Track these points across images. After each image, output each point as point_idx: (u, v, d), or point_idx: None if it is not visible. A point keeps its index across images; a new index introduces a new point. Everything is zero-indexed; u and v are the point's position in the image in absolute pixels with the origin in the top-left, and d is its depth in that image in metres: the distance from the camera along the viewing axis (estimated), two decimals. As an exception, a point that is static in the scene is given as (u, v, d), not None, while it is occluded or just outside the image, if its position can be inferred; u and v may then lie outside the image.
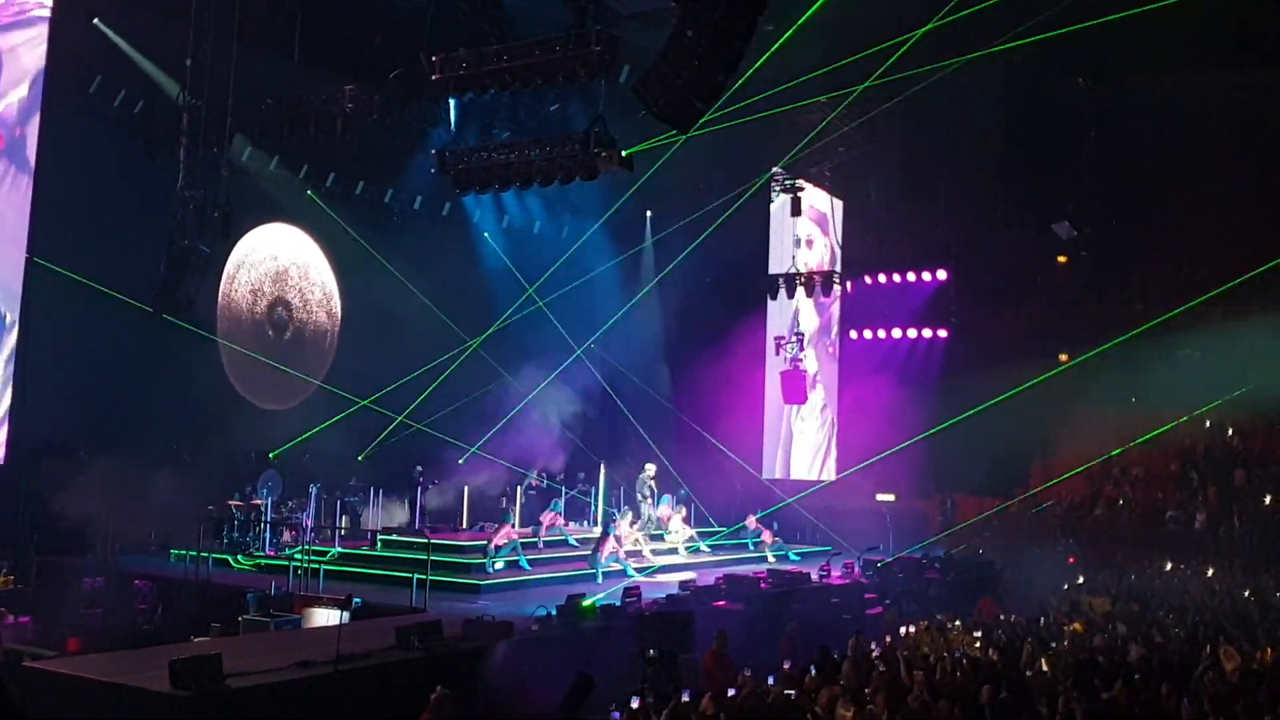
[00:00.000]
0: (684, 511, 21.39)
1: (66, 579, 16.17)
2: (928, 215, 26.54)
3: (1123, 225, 25.77)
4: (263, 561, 18.17)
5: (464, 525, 20.59)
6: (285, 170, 21.24)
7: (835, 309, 28.23)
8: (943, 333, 27.85)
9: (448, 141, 18.63)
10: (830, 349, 28.34)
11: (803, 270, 25.75)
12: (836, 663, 10.72)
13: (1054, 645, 12.07)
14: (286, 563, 16.77)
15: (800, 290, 25.74)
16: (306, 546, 17.75)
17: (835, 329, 28.44)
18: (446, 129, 19.37)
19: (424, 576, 15.02)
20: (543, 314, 22.71)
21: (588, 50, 14.56)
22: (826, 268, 26.69)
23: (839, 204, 27.39)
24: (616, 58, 14.92)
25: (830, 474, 27.37)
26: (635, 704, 9.40)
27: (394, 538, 19.03)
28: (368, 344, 21.78)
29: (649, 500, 20.98)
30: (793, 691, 9.40)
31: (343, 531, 19.92)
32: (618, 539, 18.43)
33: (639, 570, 18.24)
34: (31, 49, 17.02)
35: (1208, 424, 25.85)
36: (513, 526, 18.19)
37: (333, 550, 18.55)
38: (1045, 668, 10.65)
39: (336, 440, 20.93)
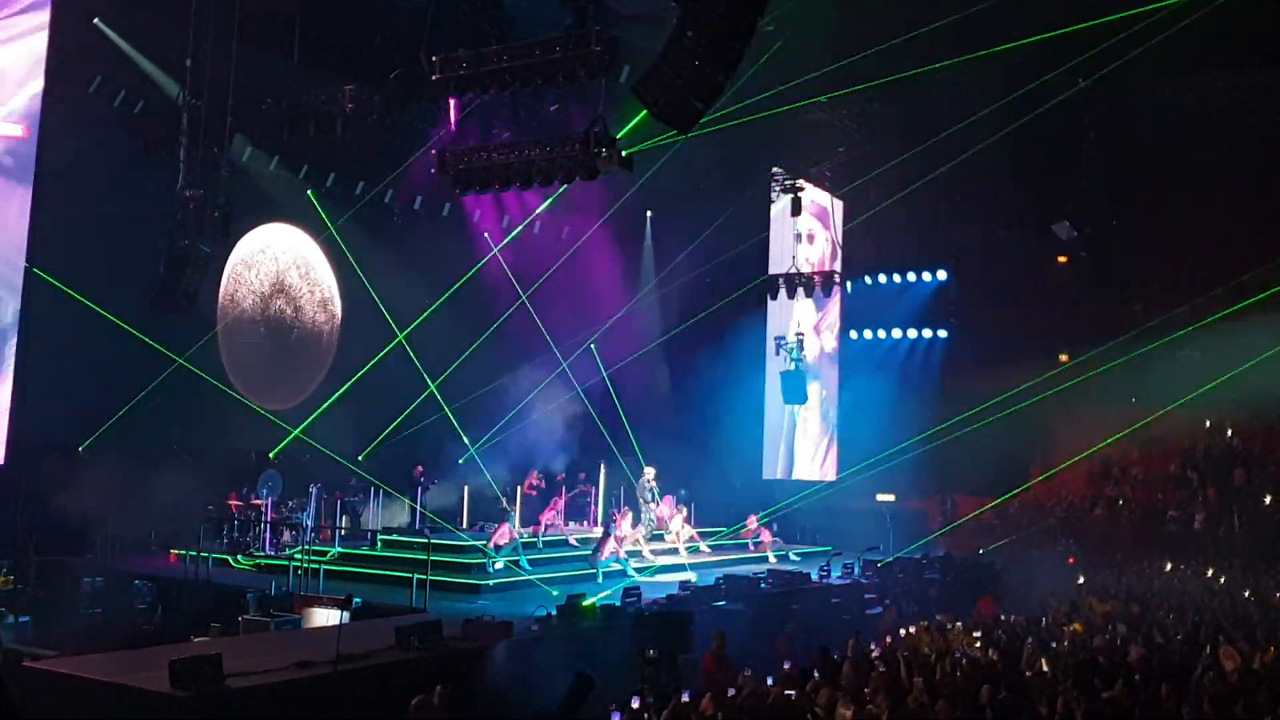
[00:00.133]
0: (684, 511, 21.40)
1: (66, 579, 16.19)
2: (928, 215, 26.54)
3: (1123, 225, 25.77)
4: (263, 561, 18.18)
5: (464, 525, 20.59)
6: (285, 170, 21.22)
7: (835, 309, 28.22)
8: (943, 333, 27.86)
9: (448, 141, 18.62)
10: (830, 349, 28.34)
11: (803, 270, 25.74)
12: (836, 663, 10.72)
13: (1054, 645, 12.07)
14: (286, 562, 16.79)
15: (800, 290, 25.74)
16: (306, 546, 17.76)
17: (835, 329, 28.44)
18: (446, 129, 19.36)
19: (424, 576, 15.04)
20: (543, 314, 22.72)
21: (588, 50, 14.54)
22: (826, 268, 26.68)
23: (839, 204, 27.39)
24: (617, 58, 14.91)
25: (830, 474, 27.38)
26: (635, 704, 9.40)
27: (394, 537, 19.04)
28: (367, 344, 21.77)
29: (650, 502, 20.99)
30: (793, 692, 9.40)
31: (343, 531, 19.93)
32: (618, 539, 18.43)
33: (639, 570, 18.25)
34: (31, 48, 17.04)
35: (1207, 424, 25.87)
36: (512, 526, 18.19)
37: (333, 550, 18.56)
38: (1045, 668, 10.65)
39: (336, 440, 20.93)
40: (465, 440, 21.97)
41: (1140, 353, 22.65)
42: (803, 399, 25.68)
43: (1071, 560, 21.85)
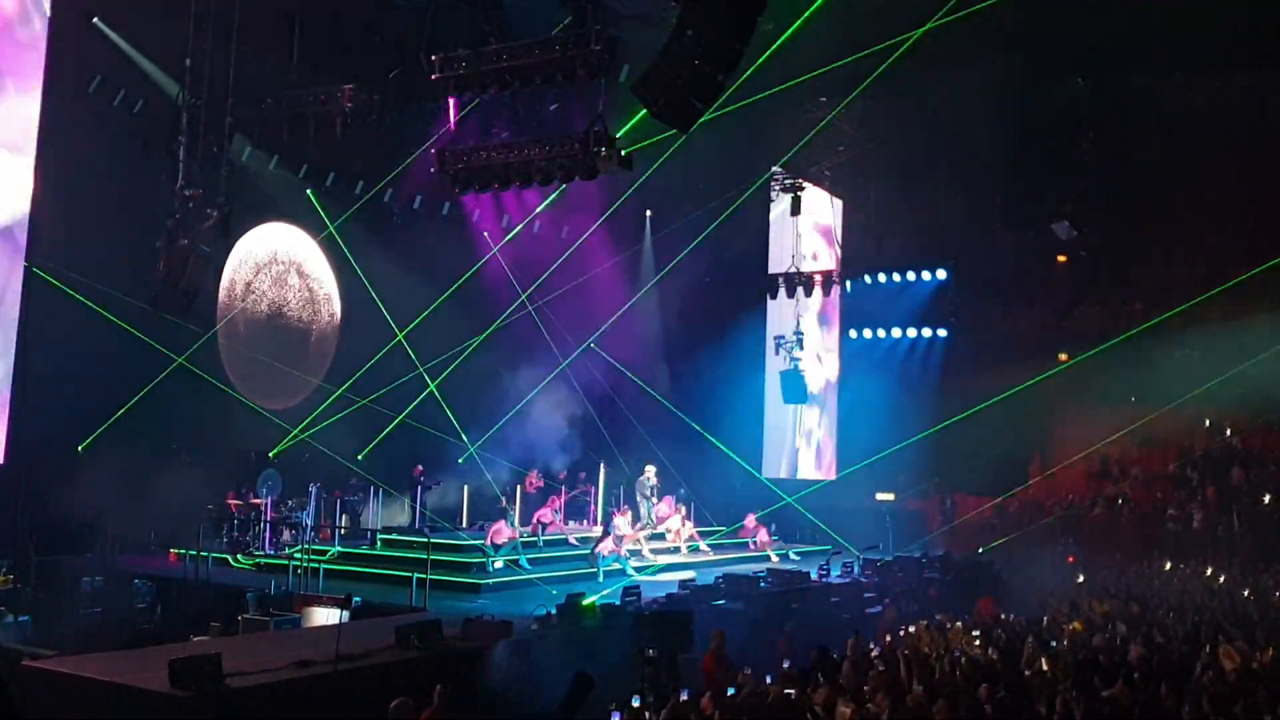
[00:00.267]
0: (684, 510, 21.41)
1: (66, 578, 16.18)
2: (927, 215, 26.55)
3: (1122, 225, 25.78)
4: (262, 561, 18.18)
5: (464, 524, 20.59)
6: (284, 169, 21.21)
7: (835, 308, 28.23)
8: (942, 332, 27.88)
9: (447, 141, 18.63)
10: (830, 348, 28.34)
11: (803, 269, 25.75)
12: (836, 662, 10.72)
13: (1053, 645, 12.07)
14: (286, 562, 16.80)
15: (800, 289, 25.75)
16: (306, 546, 17.76)
17: (835, 328, 28.45)
18: (446, 128, 19.37)
19: (424, 576, 15.04)
20: (542, 313, 22.72)
21: (587, 50, 14.54)
22: (826, 267, 26.70)
23: (839, 203, 27.40)
24: (616, 57, 14.91)
25: (830, 473, 27.39)
26: (636, 703, 9.40)
27: (394, 537, 19.04)
28: (367, 343, 21.77)
29: (651, 500, 20.99)
30: (792, 691, 9.40)
31: (342, 531, 19.93)
32: (618, 539, 18.44)
33: (639, 570, 18.26)
34: (30, 48, 17.05)
35: (1207, 424, 25.89)
36: (510, 525, 18.19)
37: (332, 549, 18.56)
38: (1045, 667, 10.65)
39: (336, 439, 20.93)
40: (465, 440, 21.98)
41: (1140, 352, 22.68)
42: (802, 398, 25.69)
43: (1071, 559, 21.86)
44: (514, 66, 15.16)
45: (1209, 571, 19.84)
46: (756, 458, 27.12)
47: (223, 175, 17.34)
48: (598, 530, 19.59)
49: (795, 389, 25.15)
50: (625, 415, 24.15)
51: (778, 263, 26.58)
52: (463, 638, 12.15)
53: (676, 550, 20.40)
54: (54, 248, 17.19)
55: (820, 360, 27.73)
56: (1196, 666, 10.30)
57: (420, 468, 21.00)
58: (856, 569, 19.37)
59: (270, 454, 20.95)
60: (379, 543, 18.84)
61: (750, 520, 22.26)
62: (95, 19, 18.00)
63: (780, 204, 26.08)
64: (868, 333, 28.64)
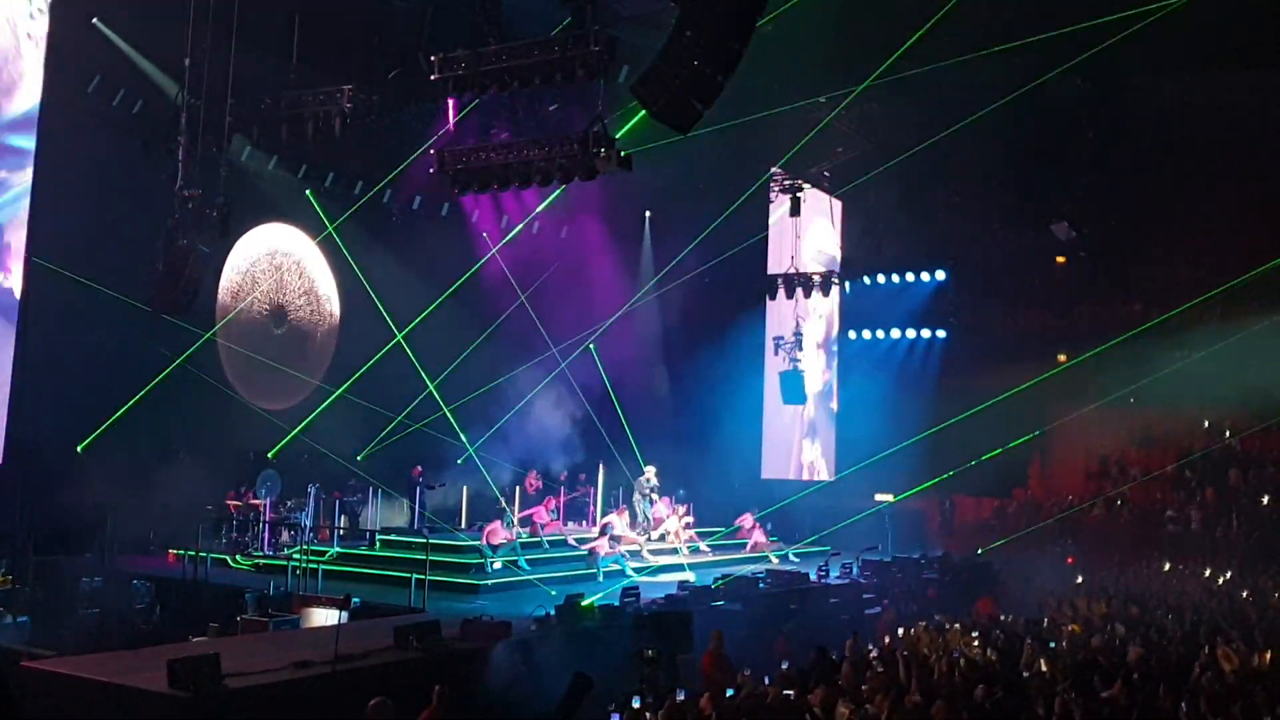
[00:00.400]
0: (681, 510, 21.39)
1: (65, 579, 16.16)
2: (926, 215, 26.55)
3: (1121, 226, 25.78)
4: (261, 561, 18.18)
5: (463, 525, 20.59)
6: (284, 170, 21.20)
7: (834, 309, 28.24)
8: (941, 333, 27.90)
9: (446, 141, 18.63)
10: (829, 349, 28.34)
11: (802, 270, 25.75)
12: (835, 663, 10.73)
13: (1052, 645, 12.08)
14: (285, 563, 16.80)
15: (799, 290, 25.75)
16: (305, 546, 17.75)
17: (834, 329, 28.45)
18: (445, 129, 19.38)
19: (422, 576, 15.03)
20: (542, 314, 22.71)
21: (587, 50, 14.52)
22: (825, 268, 26.70)
23: (838, 204, 27.40)
24: (616, 58, 14.90)
25: (829, 474, 27.39)
26: (636, 704, 9.40)
27: (393, 538, 19.03)
28: (366, 344, 21.77)
29: (650, 494, 20.99)
30: (791, 692, 9.40)
31: (341, 531, 19.92)
32: (614, 539, 18.46)
33: (638, 570, 18.27)
34: (29, 47, 17.05)
35: (1206, 425, 25.90)
36: (506, 526, 18.18)
37: (331, 550, 18.55)
38: (1044, 668, 10.66)
39: (335, 440, 20.93)
40: (464, 440, 21.98)
41: (1139, 352, 22.67)
42: (801, 399, 25.69)
43: (1070, 560, 21.86)
44: (513, 67, 15.14)
45: (1208, 572, 19.85)
46: (756, 459, 27.12)
47: (222, 175, 17.32)
48: (595, 531, 19.59)
49: (795, 390, 25.14)
50: (624, 416, 24.14)
51: (777, 263, 26.58)
52: (461, 638, 12.14)
53: (676, 551, 20.40)
54: (53, 248, 17.18)
55: (819, 361, 27.73)
56: (1195, 667, 10.30)
57: (419, 468, 20.99)
58: (855, 570, 19.37)
59: (269, 454, 20.95)
60: (378, 543, 18.83)
61: (747, 520, 22.22)
62: (95, 19, 18.01)
63: (780, 205, 26.07)
64: (867, 333, 28.65)
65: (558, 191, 20.22)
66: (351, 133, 18.60)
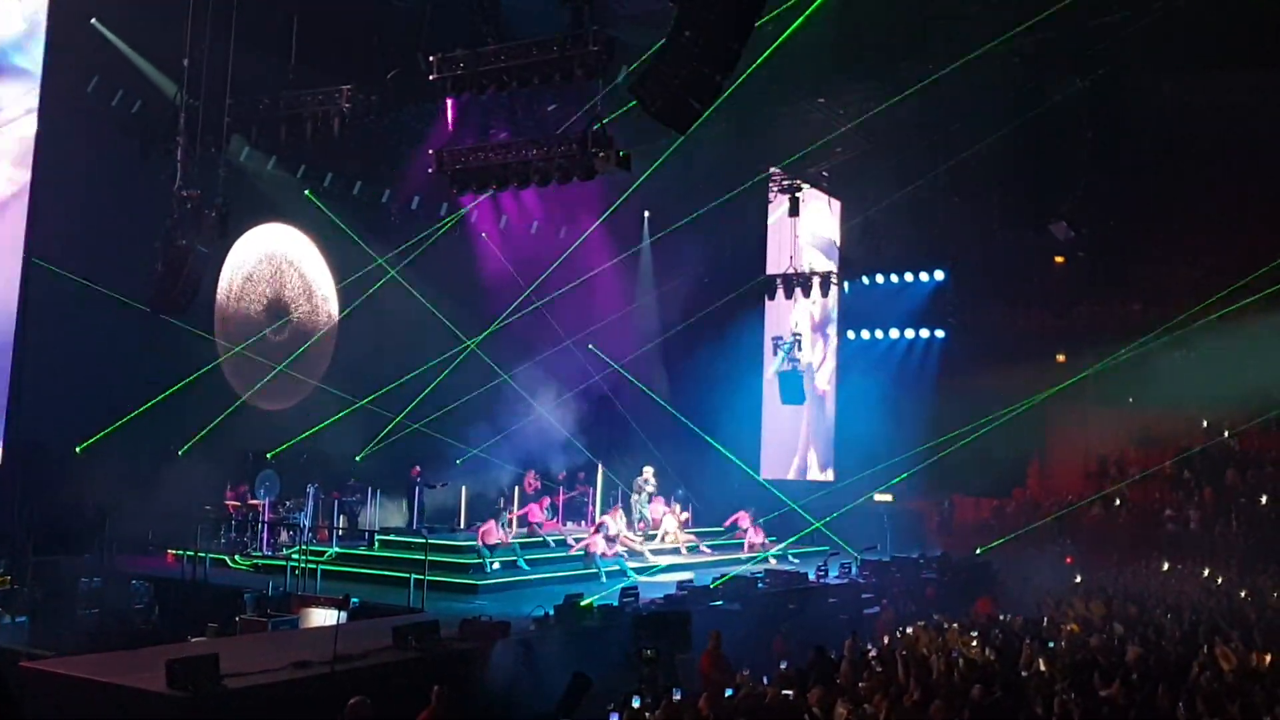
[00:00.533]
0: (677, 508, 21.36)
1: (64, 579, 16.15)
2: (926, 216, 26.55)
3: (1120, 226, 25.79)
4: (260, 561, 18.17)
5: (462, 525, 20.59)
6: (282, 170, 21.19)
7: (833, 309, 28.24)
8: (940, 333, 27.89)
9: (445, 141, 18.63)
10: (828, 349, 28.35)
11: (801, 270, 25.76)
12: (833, 663, 10.73)
13: (1051, 645, 12.08)
14: (284, 563, 16.79)
15: (798, 290, 25.75)
16: (304, 546, 17.75)
17: (833, 329, 28.45)
18: (444, 129, 19.38)
19: (421, 576, 15.03)
20: (541, 314, 22.71)
21: (585, 50, 14.54)
22: (825, 268, 26.70)
23: (837, 204, 27.41)
24: (614, 58, 14.91)
25: (828, 474, 27.39)
26: (636, 704, 9.41)
27: (392, 538, 19.03)
28: (365, 344, 21.77)
29: (647, 499, 21.00)
30: (790, 692, 9.41)
31: (340, 531, 19.92)
32: (610, 539, 18.48)
33: (638, 570, 18.28)
34: (28, 48, 17.06)
35: (1204, 424, 25.91)
36: (502, 526, 18.17)
37: (330, 550, 18.54)
38: (1043, 668, 10.66)
39: (334, 440, 20.92)
40: (463, 441, 21.98)
41: (1138, 352, 22.69)
42: (800, 399, 25.68)
43: (1069, 560, 21.86)
44: (512, 67, 15.16)
45: (1206, 572, 19.85)
46: (755, 459, 27.12)
47: (221, 175, 17.33)
48: (590, 530, 19.59)
49: (794, 390, 25.14)
50: (623, 416, 24.15)
51: (776, 264, 26.59)
52: (460, 638, 12.14)
53: (676, 551, 20.39)
54: (52, 247, 17.17)
55: (818, 361, 27.74)
56: (1194, 667, 10.30)
57: (418, 468, 20.99)
58: (854, 570, 19.37)
59: (268, 455, 20.94)
60: (377, 544, 18.82)
61: (744, 520, 22.19)
62: (93, 19, 18.00)
63: (779, 205, 26.07)
64: (866, 333, 28.65)
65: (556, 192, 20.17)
66: (350, 133, 18.61)
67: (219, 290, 21.04)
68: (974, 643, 12.44)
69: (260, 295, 22.11)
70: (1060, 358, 25.96)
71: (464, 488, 21.21)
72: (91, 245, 17.63)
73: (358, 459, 21.61)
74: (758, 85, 16.41)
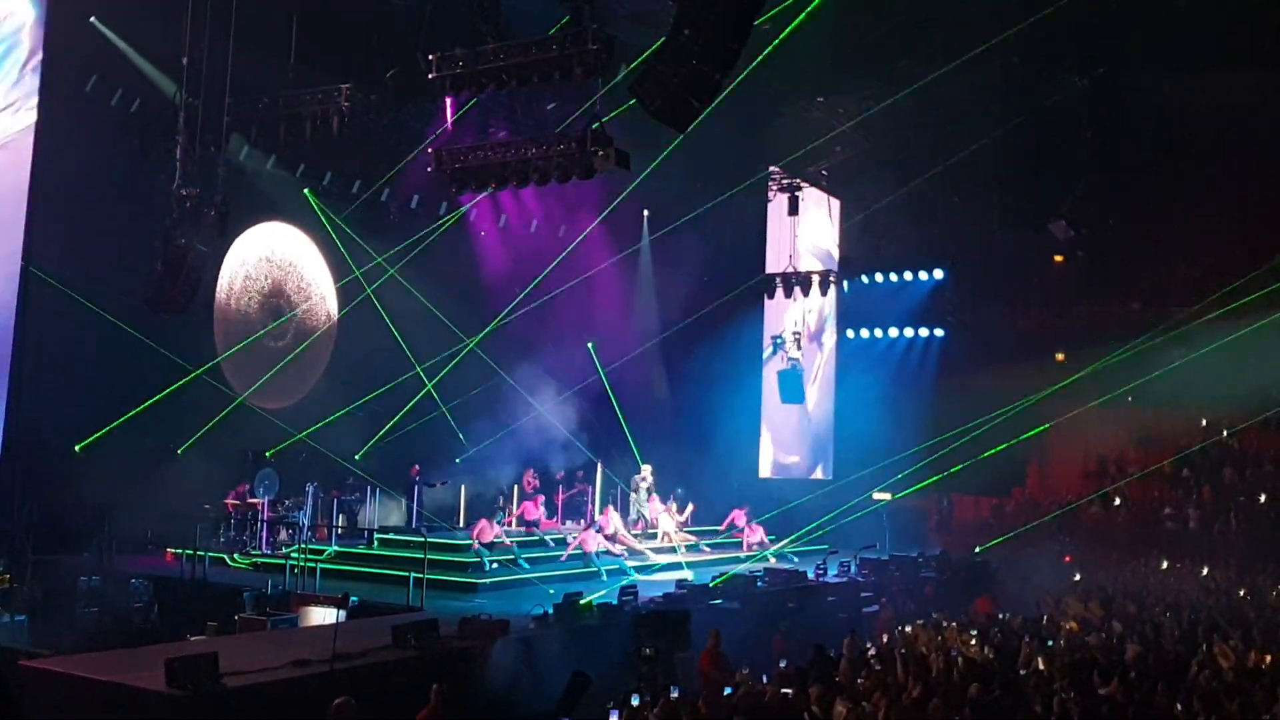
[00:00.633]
0: (674, 507, 21.35)
1: (63, 578, 16.16)
2: (925, 215, 26.56)
3: (1120, 225, 25.78)
4: (259, 560, 18.17)
5: (461, 524, 20.60)
6: (282, 169, 21.19)
7: (832, 308, 28.24)
8: (939, 332, 27.90)
9: (444, 140, 18.63)
10: (827, 348, 28.35)
11: (800, 269, 25.76)
12: (833, 661, 10.74)
13: (1050, 644, 12.09)
14: (283, 561, 16.80)
15: (797, 289, 25.75)
16: (303, 545, 17.75)
17: (832, 328, 28.45)
18: (443, 128, 19.39)
19: (420, 575, 15.03)
20: (540, 313, 22.71)
21: (584, 49, 14.54)
22: (823, 267, 26.71)
23: (836, 203, 27.40)
24: (614, 56, 14.91)
25: (827, 473, 27.39)
26: (635, 702, 9.42)
27: (391, 536, 19.03)
28: (364, 343, 21.77)
29: (645, 499, 20.99)
30: (789, 690, 9.41)
31: (339, 530, 19.92)
32: (608, 537, 18.49)
33: (637, 569, 18.28)
34: (26, 46, 17.06)
35: (1203, 423, 25.92)
36: (497, 524, 18.16)
37: (329, 549, 18.55)
38: (1042, 666, 10.67)
39: (333, 439, 20.92)
40: (462, 439, 21.97)
41: (1137, 351, 22.69)
42: (800, 398, 25.69)
43: (1068, 559, 21.86)
44: (511, 65, 15.15)
45: (1205, 571, 19.87)
46: (754, 457, 27.12)
47: (220, 174, 17.34)
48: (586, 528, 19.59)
49: (793, 389, 25.15)
50: (623, 415, 24.13)
51: (775, 262, 26.59)
52: (459, 637, 12.14)
53: (674, 550, 20.40)
54: (51, 246, 17.18)
55: (817, 360, 27.74)
56: (1192, 665, 10.31)
57: (417, 467, 21.00)
58: (853, 568, 19.38)
59: (267, 453, 20.94)
60: (376, 542, 18.82)
61: (740, 519, 22.17)
62: (92, 18, 18.00)
63: (778, 204, 26.07)
64: (865, 332, 28.65)
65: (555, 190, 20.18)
66: (349, 132, 18.60)
67: (218, 289, 21.04)
68: (973, 641, 12.45)
69: (259, 294, 22.11)
70: (1059, 357, 25.95)
71: (463, 486, 21.22)
72: (91, 244, 17.63)
73: (357, 457, 21.61)
74: (757, 84, 16.43)
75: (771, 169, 25.09)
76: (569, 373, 23.42)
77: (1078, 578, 19.40)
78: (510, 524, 19.32)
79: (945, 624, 13.66)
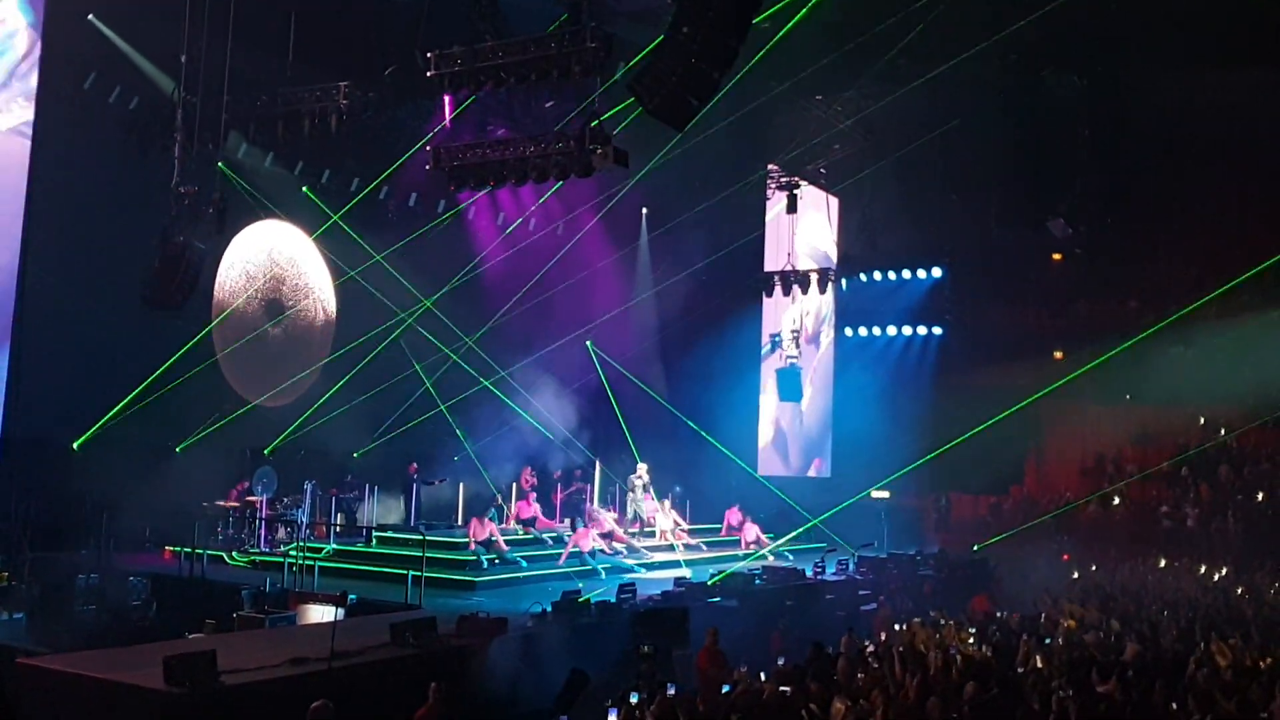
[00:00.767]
0: (667, 505, 21.34)
1: (61, 576, 16.15)
2: (923, 212, 26.59)
3: (1118, 223, 25.83)
4: (257, 558, 18.16)
5: (459, 522, 20.59)
6: (280, 166, 21.18)
7: (831, 306, 28.25)
8: (938, 330, 27.92)
9: (443, 138, 18.63)
10: (825, 346, 28.36)
11: (798, 267, 25.77)
12: (831, 659, 10.74)
13: (1048, 642, 12.10)
14: (281, 559, 16.80)
15: (796, 287, 25.76)
16: (301, 543, 17.75)
17: (831, 326, 28.46)
18: (441, 125, 19.38)
19: (419, 573, 15.03)
20: (538, 311, 22.71)
21: (583, 47, 14.54)
22: (822, 265, 26.72)
23: (835, 201, 27.42)
24: (612, 55, 14.91)
25: (825, 471, 27.41)
26: (634, 699, 9.41)
27: (389, 534, 19.04)
28: (363, 341, 21.76)
29: (643, 497, 21.00)
30: (787, 688, 9.41)
31: (338, 528, 19.92)
32: (607, 535, 18.48)
33: (635, 566, 18.30)
34: (25, 45, 17.06)
35: (1201, 422, 25.94)
36: (493, 521, 18.17)
37: (328, 547, 18.55)
38: (1040, 664, 10.67)
39: (332, 437, 20.92)
40: (460, 437, 21.95)
41: (1135, 350, 22.71)
42: (798, 396, 25.71)
43: (1066, 557, 21.88)
44: (509, 63, 15.15)
45: (1203, 569, 19.88)
46: (752, 455, 27.14)
47: (218, 172, 17.33)
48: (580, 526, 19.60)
49: (791, 386, 25.17)
50: (621, 413, 24.13)
51: (774, 260, 26.60)
52: (458, 635, 12.13)
53: (673, 548, 20.41)
54: (49, 244, 17.17)
55: (815, 358, 27.75)
56: (1190, 663, 10.32)
57: (414, 465, 20.99)
58: (851, 566, 19.38)
59: (265, 451, 20.94)
60: (374, 540, 18.82)
61: (735, 517, 22.16)
62: (90, 15, 17.99)
63: (776, 202, 26.08)
64: (863, 330, 28.67)
65: (555, 186, 20.21)
66: (348, 129, 18.61)
67: (216, 287, 21.01)
68: (971, 639, 12.46)
69: (257, 292, 22.08)
70: (1058, 355, 25.97)
71: (461, 484, 21.22)
72: (89, 242, 17.62)
73: (355, 455, 21.60)
74: (756, 82, 16.44)
75: (770, 167, 25.10)
76: (567, 370, 23.42)
77: (1075, 576, 19.41)
78: (510, 524, 19.31)
79: (943, 622, 13.65)
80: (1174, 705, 8.81)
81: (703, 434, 24.59)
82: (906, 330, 28.24)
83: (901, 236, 27.35)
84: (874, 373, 27.56)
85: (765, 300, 26.78)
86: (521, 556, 17.87)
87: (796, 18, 15.64)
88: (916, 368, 27.87)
